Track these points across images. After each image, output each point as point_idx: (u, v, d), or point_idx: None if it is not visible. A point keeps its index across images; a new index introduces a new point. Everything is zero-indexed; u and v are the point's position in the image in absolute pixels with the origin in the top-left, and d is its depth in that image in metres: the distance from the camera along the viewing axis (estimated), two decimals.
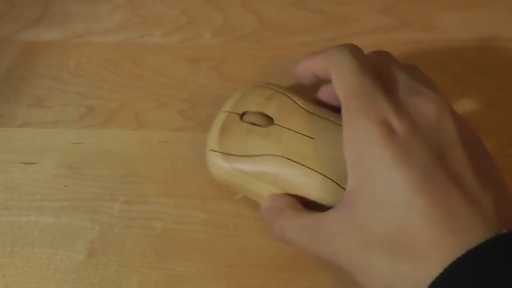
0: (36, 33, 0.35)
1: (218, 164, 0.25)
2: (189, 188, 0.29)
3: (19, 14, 0.36)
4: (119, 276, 0.26)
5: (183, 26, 0.36)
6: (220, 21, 0.36)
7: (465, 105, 0.32)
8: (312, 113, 0.26)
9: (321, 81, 0.26)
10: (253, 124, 0.26)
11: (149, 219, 0.28)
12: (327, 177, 0.24)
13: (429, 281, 0.18)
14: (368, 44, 0.34)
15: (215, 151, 0.26)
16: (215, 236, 0.27)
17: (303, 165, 0.24)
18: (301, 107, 0.26)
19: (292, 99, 0.26)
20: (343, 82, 0.22)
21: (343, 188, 0.23)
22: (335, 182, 0.24)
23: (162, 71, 0.33)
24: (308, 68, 0.25)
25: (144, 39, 0.35)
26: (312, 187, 0.24)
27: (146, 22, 0.36)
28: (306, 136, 0.25)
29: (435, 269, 0.18)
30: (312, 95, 0.28)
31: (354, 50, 0.23)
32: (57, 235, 0.27)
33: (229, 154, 0.25)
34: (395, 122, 0.20)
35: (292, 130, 0.25)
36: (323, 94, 0.27)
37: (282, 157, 0.24)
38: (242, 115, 0.26)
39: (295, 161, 0.24)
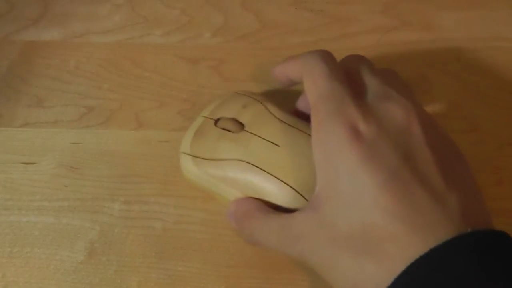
0: (36, 33, 0.35)
1: (188, 167, 0.26)
2: (189, 188, 0.29)
3: (19, 14, 0.36)
4: (119, 276, 0.26)
5: (183, 26, 0.36)
6: (220, 21, 0.36)
7: (465, 105, 0.32)
8: (284, 122, 0.26)
9: (299, 85, 0.26)
10: (225, 130, 0.26)
11: (149, 219, 0.28)
12: (288, 185, 0.24)
13: (392, 278, 0.18)
14: (368, 44, 0.35)
15: (187, 154, 0.26)
16: (215, 236, 0.27)
17: (265, 172, 0.24)
18: (274, 116, 0.26)
19: (267, 108, 0.27)
20: (313, 87, 0.23)
21: (303, 196, 0.23)
22: (295, 190, 0.24)
23: (162, 71, 0.33)
24: (283, 72, 0.26)
25: (144, 39, 0.35)
26: (272, 194, 0.24)
27: (146, 22, 0.36)
28: (273, 143, 0.25)
29: (399, 267, 0.18)
30: (293, 105, 0.28)
31: (326, 56, 0.24)
32: (57, 235, 0.27)
33: (198, 157, 0.26)
34: (362, 126, 0.21)
35: (260, 137, 0.25)
36: (301, 104, 0.28)
37: (247, 162, 0.25)
38: (216, 121, 0.27)
39: (258, 167, 0.24)
